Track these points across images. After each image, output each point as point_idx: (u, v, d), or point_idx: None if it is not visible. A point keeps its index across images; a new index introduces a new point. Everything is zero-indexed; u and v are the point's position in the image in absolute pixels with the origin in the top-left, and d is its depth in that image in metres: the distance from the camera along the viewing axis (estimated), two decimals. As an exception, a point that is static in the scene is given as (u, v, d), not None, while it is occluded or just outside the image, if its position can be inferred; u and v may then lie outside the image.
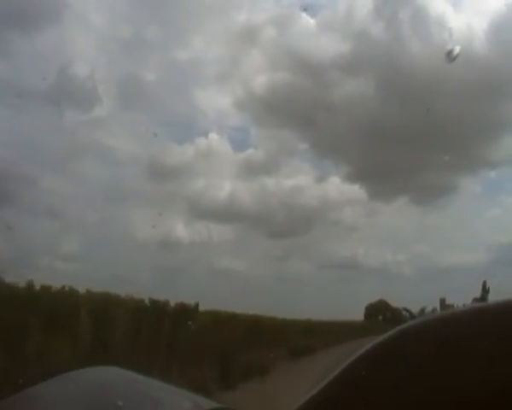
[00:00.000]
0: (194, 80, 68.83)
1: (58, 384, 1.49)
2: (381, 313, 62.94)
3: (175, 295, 15.46)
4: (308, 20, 55.26)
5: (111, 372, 1.69)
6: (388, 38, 50.61)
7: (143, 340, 11.74)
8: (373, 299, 61.18)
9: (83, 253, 31.38)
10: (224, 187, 57.22)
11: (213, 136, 51.49)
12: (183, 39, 60.65)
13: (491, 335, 0.77)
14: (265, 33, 58.57)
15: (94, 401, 1.37)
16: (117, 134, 53.33)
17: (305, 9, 55.78)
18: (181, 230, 50.32)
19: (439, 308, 39.48)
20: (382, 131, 42.42)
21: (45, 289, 10.12)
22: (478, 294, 37.27)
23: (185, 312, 14.81)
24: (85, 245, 35.24)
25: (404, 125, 38.18)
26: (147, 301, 13.56)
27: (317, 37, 53.47)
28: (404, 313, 54.89)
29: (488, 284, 38.68)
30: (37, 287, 9.92)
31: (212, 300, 18.54)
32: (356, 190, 63.24)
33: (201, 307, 16.27)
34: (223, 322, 16.24)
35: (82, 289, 11.39)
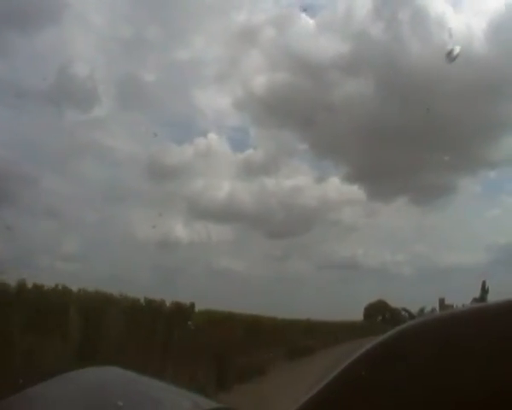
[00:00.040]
0: (194, 80, 68.78)
1: (58, 384, 1.49)
2: (380, 313, 62.96)
3: (174, 295, 15.46)
4: (307, 21, 55.23)
5: (111, 372, 1.69)
6: (388, 39, 50.66)
7: (137, 340, 11.58)
8: (372, 299, 61.22)
9: (82, 253, 31.37)
10: (223, 187, 57.20)
11: (212, 136, 51.47)
12: (182, 39, 60.68)
13: (491, 335, 0.78)
14: (265, 34, 58.56)
15: (94, 401, 1.37)
16: (116, 134, 53.32)
17: (304, 10, 55.77)
18: (180, 230, 50.31)
19: (438, 308, 39.49)
20: (382, 132, 42.47)
21: (37, 288, 9.99)
22: (477, 294, 37.29)
23: (181, 311, 14.65)
24: (85, 245, 35.18)
25: (403, 125, 38.24)
26: (142, 301, 13.41)
27: (316, 37, 53.43)
28: (403, 313, 54.86)
29: (487, 285, 38.71)
30: (29, 286, 9.79)
31: (211, 300, 18.53)
32: (355, 191, 63.23)
33: (200, 307, 16.17)
34: (219, 322, 16.08)
35: (76, 288, 11.28)
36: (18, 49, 43.59)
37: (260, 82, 57.14)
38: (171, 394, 1.54)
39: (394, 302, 59.48)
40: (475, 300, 31.66)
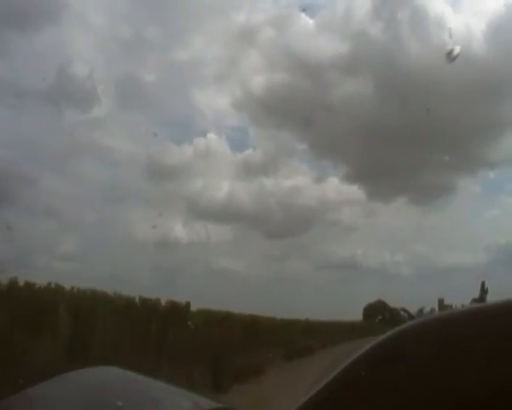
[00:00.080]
0: (193, 80, 68.68)
1: (58, 384, 1.49)
2: (379, 313, 62.94)
3: (174, 295, 15.34)
4: (307, 21, 55.18)
5: (111, 372, 1.69)
6: (387, 39, 50.57)
7: (132, 339, 11.43)
8: (371, 299, 61.27)
9: (81, 253, 31.33)
10: (223, 187, 57.14)
11: (212, 136, 51.42)
12: (181, 39, 60.65)
13: (490, 335, 0.78)
14: (264, 34, 58.44)
15: (94, 401, 1.37)
16: (116, 134, 53.24)
17: (304, 10, 55.76)
18: (179, 230, 50.19)
19: (437, 309, 39.47)
20: (381, 132, 42.46)
21: (29, 286, 9.83)
22: (476, 294, 37.22)
23: (176, 311, 14.47)
24: (84, 245, 35.15)
25: (402, 125, 38.23)
26: (137, 300, 13.21)
27: (315, 37, 53.36)
28: (402, 313, 54.83)
29: (487, 285, 38.63)
30: (21, 284, 9.63)
31: (210, 300, 18.51)
32: (354, 191, 63.16)
33: (199, 307, 16.08)
34: (217, 322, 15.99)
35: (69, 287, 11.05)
36: (17, 49, 43.59)
37: (259, 82, 57.10)
38: (170, 394, 1.54)
39: (393, 302, 59.47)
40: (475, 300, 31.62)
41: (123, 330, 11.41)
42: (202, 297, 18.09)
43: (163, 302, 14.25)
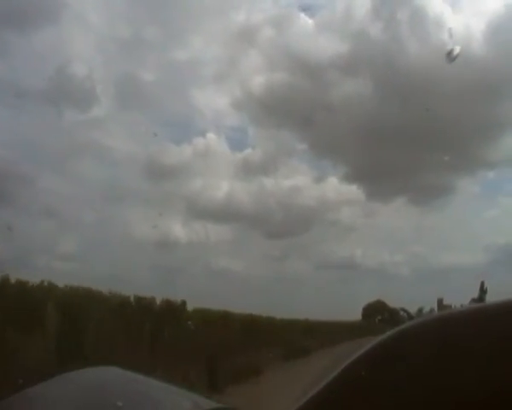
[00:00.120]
0: (192, 80, 68.72)
1: (58, 384, 1.49)
2: (378, 313, 63.01)
3: (173, 295, 15.32)
4: (306, 21, 55.40)
5: (111, 372, 1.69)
6: (387, 39, 50.63)
7: (126, 338, 11.24)
8: (371, 299, 61.26)
9: (81, 252, 31.36)
10: (222, 187, 57.22)
11: (211, 136, 51.49)
12: (181, 39, 60.68)
13: (490, 335, 0.78)
14: (263, 34, 58.53)
15: (94, 401, 1.37)
16: (115, 134, 53.23)
17: (305, 9, 55.86)
18: (179, 230, 50.23)
19: (436, 309, 39.50)
20: (380, 132, 42.47)
21: (21, 284, 9.72)
22: (476, 294, 37.26)
23: (172, 310, 14.31)
24: (83, 245, 35.17)
25: (402, 125, 38.24)
26: (132, 298, 13.04)
27: (315, 37, 53.49)
28: (401, 313, 54.89)
29: (486, 285, 38.67)
30: (13, 281, 9.53)
31: (209, 300, 18.50)
32: (354, 191, 63.21)
33: (198, 306, 15.97)
34: (214, 321, 15.84)
35: (62, 285, 10.94)
36: (16, 49, 43.60)
37: (259, 82, 57.12)
38: (170, 394, 1.54)
39: (393, 302, 59.53)
40: (474, 300, 31.64)
41: (117, 329, 11.25)
42: (202, 297, 18.08)
43: (158, 301, 14.12)
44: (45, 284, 10.44)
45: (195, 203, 48.82)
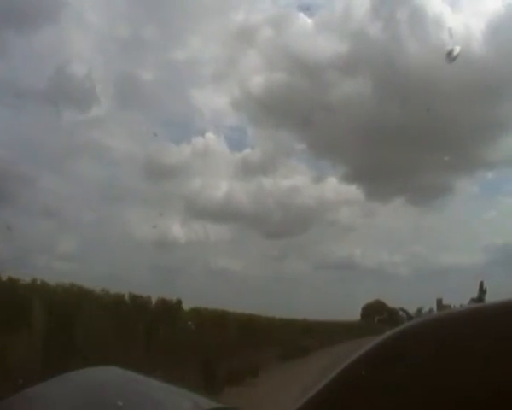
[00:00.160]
0: (192, 80, 68.80)
1: (58, 384, 1.49)
2: (377, 313, 63.01)
3: (172, 294, 15.26)
4: (305, 20, 55.38)
5: (111, 372, 1.69)
6: (386, 38, 50.66)
7: (119, 338, 10.96)
8: (369, 299, 61.29)
9: (80, 252, 31.39)
10: (221, 187, 57.26)
11: (210, 135, 51.58)
12: (180, 39, 60.75)
13: (489, 335, 0.78)
14: (263, 33, 58.58)
15: (94, 401, 1.37)
16: (114, 134, 53.31)
17: (306, 9, 55.78)
18: (178, 229, 50.21)
19: (435, 309, 39.51)
20: (379, 132, 42.47)
21: (12, 282, 9.53)
22: (475, 294, 37.26)
23: (167, 308, 14.03)
24: (83, 244, 35.17)
25: (400, 125, 38.24)
26: (126, 297, 12.71)
27: (314, 37, 53.49)
28: (400, 313, 54.92)
29: (485, 285, 38.68)
30: (4, 279, 9.30)
31: (208, 299, 18.48)
32: (353, 191, 63.37)
33: (196, 306, 15.77)
34: (210, 320, 15.60)
35: (54, 283, 10.63)
36: (16, 49, 43.58)
37: (258, 82, 57.17)
38: (171, 394, 1.54)
39: (392, 302, 59.56)
40: (473, 300, 31.64)
41: (110, 328, 11.01)
42: (201, 297, 18.05)
43: (154, 300, 13.88)
44: (38, 282, 10.28)
45: (194, 203, 48.90)
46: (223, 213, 48.81)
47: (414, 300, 51.68)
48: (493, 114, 46.57)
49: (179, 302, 14.80)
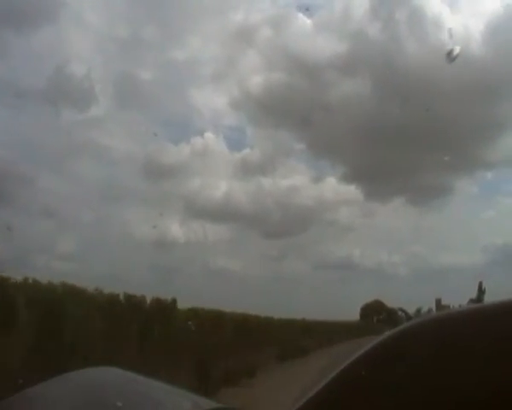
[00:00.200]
0: (191, 80, 68.87)
1: (58, 384, 1.49)
2: (376, 313, 63.04)
3: (171, 294, 15.21)
4: (305, 21, 55.32)
5: (110, 373, 1.69)
6: (385, 39, 50.70)
7: (113, 338, 10.76)
8: (369, 299, 61.33)
9: (79, 252, 31.39)
10: (220, 187, 57.30)
11: (209, 135, 51.63)
12: (179, 39, 60.72)
13: (489, 335, 0.78)
14: (262, 33, 58.59)
15: (94, 401, 1.37)
16: (113, 133, 53.33)
17: (305, 9, 55.83)
18: (177, 229, 50.23)
19: (434, 309, 39.53)
20: (379, 132, 42.48)
21: (3, 280, 9.36)
22: (474, 294, 37.30)
23: (162, 308, 13.81)
24: (82, 244, 35.17)
25: (400, 125, 38.25)
26: (121, 296, 12.49)
27: (313, 37, 53.52)
28: (399, 313, 54.95)
29: (484, 285, 38.72)
30: None
31: (207, 299, 18.48)
32: (352, 191, 63.43)
33: (194, 305, 15.65)
34: (208, 320, 15.41)
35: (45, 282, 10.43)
36: (15, 49, 43.56)
37: (257, 82, 57.20)
38: (170, 394, 1.54)
39: (391, 302, 59.61)
40: (472, 300, 31.67)
41: (103, 328, 10.83)
42: (200, 297, 18.05)
43: (148, 300, 13.71)
44: (30, 281, 10.16)
45: (193, 203, 48.91)
46: (222, 213, 48.88)
47: (413, 300, 51.77)
48: (492, 114, 46.66)
49: (174, 302, 14.65)
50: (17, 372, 7.01)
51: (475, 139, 48.75)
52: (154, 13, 58.30)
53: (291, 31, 56.11)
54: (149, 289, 14.50)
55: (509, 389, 0.74)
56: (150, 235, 35.53)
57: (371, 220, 65.22)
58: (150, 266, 31.48)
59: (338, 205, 65.70)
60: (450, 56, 4.18)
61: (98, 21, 53.57)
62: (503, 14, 48.42)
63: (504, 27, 44.22)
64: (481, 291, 37.72)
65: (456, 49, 4.27)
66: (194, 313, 15.42)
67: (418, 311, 48.16)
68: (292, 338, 24.22)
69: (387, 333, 0.88)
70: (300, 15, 52.84)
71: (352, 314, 55.94)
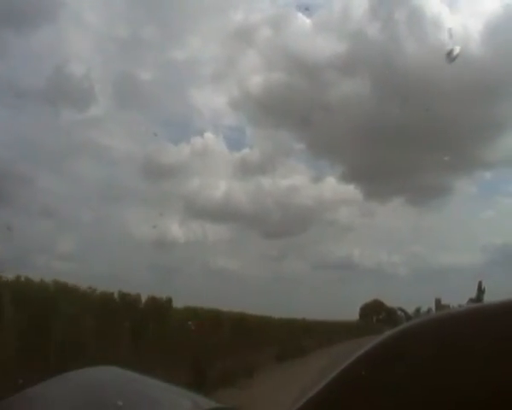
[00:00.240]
0: (190, 80, 68.97)
1: (58, 384, 1.49)
2: (376, 313, 63.09)
3: (170, 294, 15.18)
4: (304, 20, 55.44)
5: (110, 372, 1.69)
6: (384, 39, 50.82)
7: (104, 337, 10.56)
8: (368, 299, 61.40)
9: (79, 252, 31.43)
10: (220, 187, 57.44)
11: (209, 135, 51.74)
12: (179, 39, 60.79)
13: (489, 335, 0.78)
14: (261, 33, 58.70)
15: (94, 401, 1.37)
16: (113, 133, 53.39)
17: (305, 9, 55.89)
18: (176, 229, 50.32)
19: (434, 309, 39.57)
20: (378, 132, 42.52)
21: None
22: (473, 294, 37.34)
23: (157, 307, 13.59)
24: (82, 244, 35.21)
25: (399, 125, 38.28)
26: (116, 295, 12.26)
27: (313, 37, 53.67)
28: (399, 313, 54.99)
29: (483, 285, 38.75)
30: None
31: (206, 299, 18.46)
32: (351, 191, 63.62)
33: (190, 304, 15.52)
34: (203, 319, 15.14)
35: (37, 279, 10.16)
36: (14, 49, 43.57)
37: (257, 81, 57.26)
38: (170, 393, 1.54)
39: (390, 302, 59.67)
40: (471, 300, 31.69)
41: (95, 327, 10.62)
42: (199, 296, 18.04)
43: (143, 299, 13.49)
44: (22, 279, 10.02)
45: (193, 203, 48.97)
46: (222, 213, 48.95)
47: (412, 300, 51.85)
48: (491, 114, 46.73)
49: (170, 301, 14.47)
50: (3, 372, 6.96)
51: (475, 139, 48.87)
52: (154, 13, 58.38)
53: (291, 31, 56.26)
54: (149, 289, 14.45)
55: (508, 389, 0.74)
56: (150, 235, 35.63)
57: (371, 220, 65.46)
58: (150, 266, 31.55)
59: (337, 205, 65.92)
60: (450, 56, 4.17)
61: (98, 21, 53.64)
62: (503, 14, 48.52)
63: (504, 27, 44.34)
64: (481, 291, 37.74)
65: (457, 49, 4.26)
66: (191, 312, 15.30)
67: (417, 311, 48.24)
68: (291, 338, 24.20)
69: (387, 333, 0.88)
70: (300, 15, 53.03)
71: (352, 314, 56.06)
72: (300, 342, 25.34)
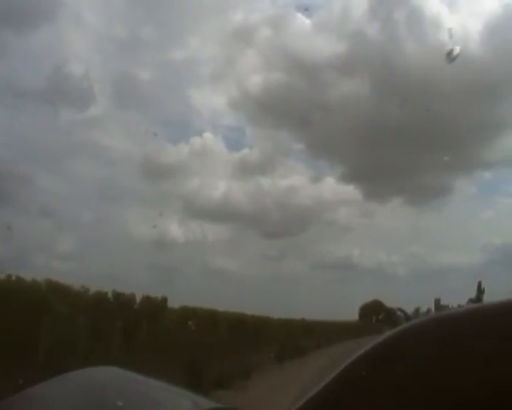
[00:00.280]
0: (190, 80, 68.95)
1: (58, 384, 1.49)
2: (375, 313, 63.10)
3: (171, 294, 15.16)
4: (304, 21, 55.47)
5: (110, 372, 1.69)
6: (384, 39, 50.87)
7: (96, 337, 10.50)
8: (367, 299, 61.41)
9: (78, 252, 31.47)
10: (219, 187, 57.45)
11: (208, 135, 51.74)
12: (178, 39, 60.80)
13: (489, 335, 0.79)
14: (261, 33, 58.74)
15: (94, 401, 1.37)
16: (112, 133, 53.33)
17: (304, 9, 55.91)
18: (176, 229, 50.30)
19: (433, 309, 39.58)
20: (377, 132, 42.56)
21: None
22: (473, 294, 37.39)
23: (152, 307, 13.50)
24: (81, 244, 35.27)
25: (399, 125, 38.34)
26: (110, 294, 12.27)
27: (312, 37, 53.69)
28: (398, 313, 55.02)
29: (483, 285, 38.79)
30: None
31: (206, 299, 18.48)
32: (351, 191, 63.72)
33: (186, 304, 15.47)
34: (199, 319, 15.06)
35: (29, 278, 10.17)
36: (14, 49, 43.55)
37: (256, 82, 57.26)
38: (170, 394, 1.54)
39: (390, 302, 59.70)
40: (471, 300, 31.73)
41: (88, 326, 10.53)
42: (198, 296, 18.05)
43: (138, 298, 13.47)
44: (13, 278, 9.90)
45: (192, 203, 48.98)
46: (221, 213, 48.95)
47: (412, 300, 51.90)
48: (491, 114, 46.78)
49: (165, 300, 14.43)
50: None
51: (474, 139, 48.91)
52: (153, 13, 58.41)
53: (290, 31, 56.31)
54: (148, 289, 14.43)
55: (508, 389, 0.74)
56: (149, 235, 35.63)
57: (370, 220, 65.49)
58: (149, 266, 31.57)
59: (337, 205, 65.99)
60: (450, 56, 4.17)
61: (97, 21, 53.64)
62: (502, 13, 48.54)
63: (503, 27, 44.36)
64: (480, 291, 37.77)
65: (456, 49, 4.27)
66: (187, 311, 15.22)
67: (417, 311, 48.26)
68: (290, 338, 24.19)
69: (387, 333, 0.88)
70: (299, 15, 53.07)
71: (351, 314, 56.10)
72: (299, 342, 25.32)
